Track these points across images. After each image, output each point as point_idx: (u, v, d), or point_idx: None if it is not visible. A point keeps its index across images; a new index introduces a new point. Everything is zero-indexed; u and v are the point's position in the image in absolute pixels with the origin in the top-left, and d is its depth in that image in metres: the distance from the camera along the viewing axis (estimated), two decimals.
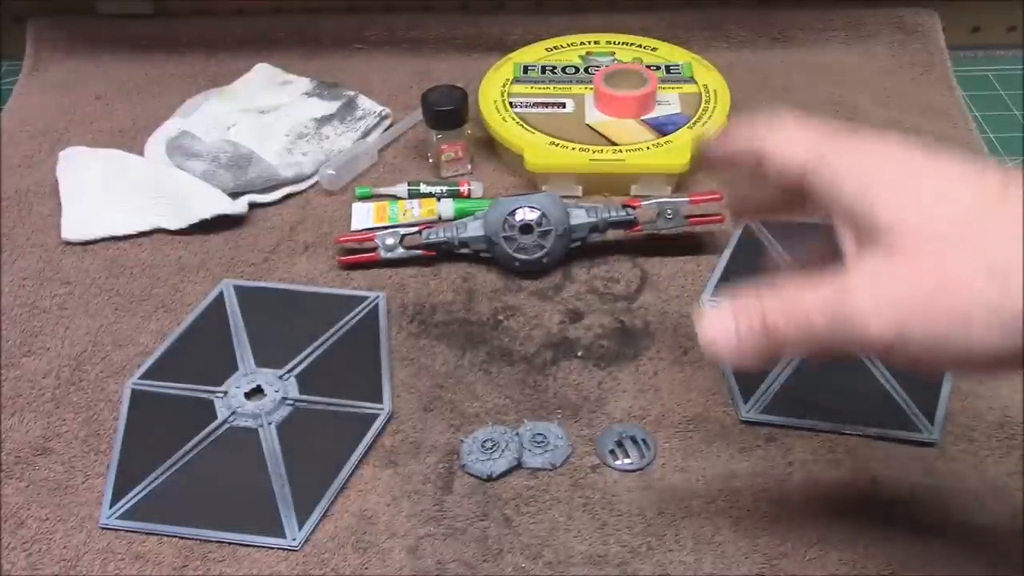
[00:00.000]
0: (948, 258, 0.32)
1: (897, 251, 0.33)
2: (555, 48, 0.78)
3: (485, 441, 0.51)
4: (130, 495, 0.50)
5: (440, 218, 0.67)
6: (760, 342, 0.35)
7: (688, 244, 0.64)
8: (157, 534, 0.48)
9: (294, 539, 0.48)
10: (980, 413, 0.53)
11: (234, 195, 0.68)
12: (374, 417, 0.53)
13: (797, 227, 0.66)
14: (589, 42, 0.79)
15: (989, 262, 0.32)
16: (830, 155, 0.36)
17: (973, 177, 0.34)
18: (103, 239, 0.66)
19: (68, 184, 0.69)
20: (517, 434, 0.52)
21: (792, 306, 0.35)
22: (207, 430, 0.52)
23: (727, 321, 0.36)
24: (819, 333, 0.34)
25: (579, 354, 0.57)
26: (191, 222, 0.66)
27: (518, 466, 0.51)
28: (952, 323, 0.32)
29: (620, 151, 0.68)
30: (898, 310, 0.33)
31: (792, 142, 0.37)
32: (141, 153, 0.72)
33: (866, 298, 0.33)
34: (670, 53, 0.78)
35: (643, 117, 0.71)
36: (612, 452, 0.51)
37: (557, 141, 0.69)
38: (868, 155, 0.35)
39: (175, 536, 0.48)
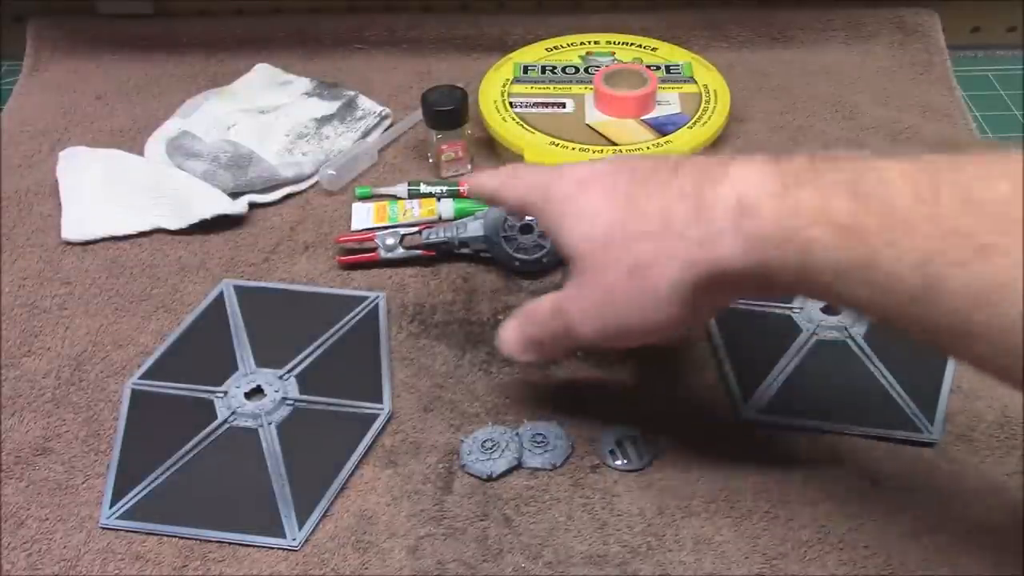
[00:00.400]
0: (605, 270, 0.42)
1: (578, 271, 0.44)
2: (555, 48, 0.78)
3: (485, 441, 0.51)
4: (130, 495, 0.50)
5: (440, 218, 0.67)
6: (528, 342, 0.48)
7: None
8: (157, 534, 0.48)
9: (294, 539, 0.48)
10: (980, 413, 0.53)
11: (234, 195, 0.68)
12: (374, 417, 0.53)
13: None
14: (589, 42, 0.79)
15: (628, 265, 0.41)
16: (530, 197, 0.47)
17: (611, 188, 0.43)
18: (103, 239, 0.66)
19: (68, 184, 0.69)
20: (517, 434, 0.52)
21: (535, 315, 0.48)
22: (207, 430, 0.52)
23: (513, 329, 0.49)
24: (556, 334, 0.46)
25: (579, 354, 0.57)
26: (191, 222, 0.66)
27: (518, 466, 0.51)
28: (623, 316, 0.43)
29: (620, 151, 0.68)
30: (590, 317, 0.44)
31: (514, 188, 0.48)
32: (141, 153, 0.72)
33: (574, 309, 0.45)
34: (670, 53, 0.78)
35: (643, 117, 0.71)
36: (612, 452, 0.51)
37: (557, 141, 0.69)
38: (551, 190, 0.45)
39: (175, 536, 0.48)
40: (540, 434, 0.52)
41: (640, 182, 0.42)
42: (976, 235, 0.33)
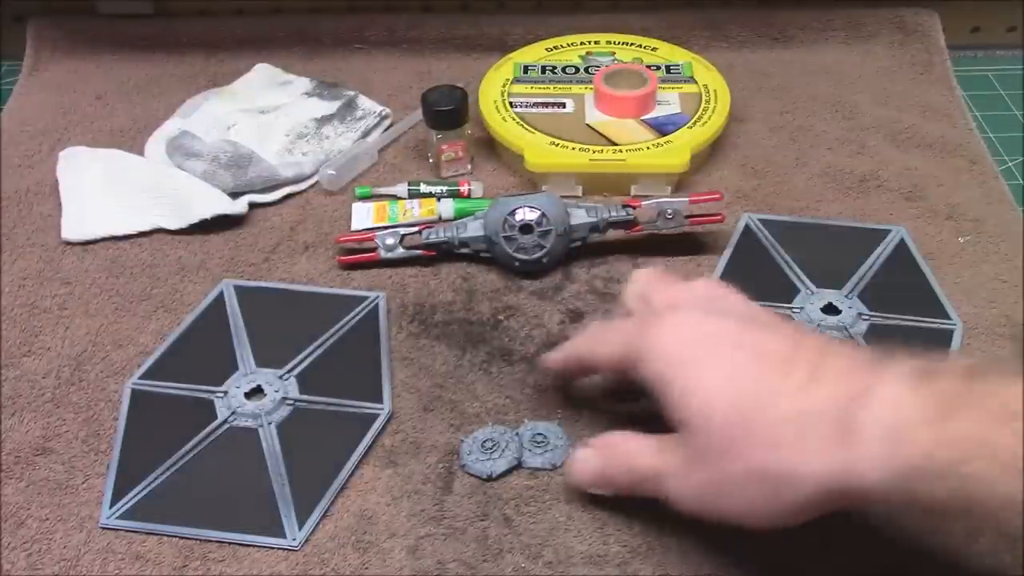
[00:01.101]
0: (726, 461, 0.40)
1: (691, 447, 0.41)
2: (555, 48, 0.78)
3: (485, 441, 0.51)
4: (130, 495, 0.50)
5: (440, 218, 0.67)
6: (606, 481, 0.47)
7: (688, 244, 0.64)
8: (157, 534, 0.48)
9: (294, 539, 0.48)
10: None
11: (234, 195, 0.68)
12: (374, 417, 0.53)
13: (796, 227, 0.66)
14: (589, 42, 0.79)
15: (755, 469, 0.39)
16: (632, 351, 0.44)
17: (733, 364, 0.40)
18: (103, 239, 0.66)
19: (68, 184, 0.69)
20: (517, 434, 0.52)
21: (632, 464, 0.45)
22: (207, 430, 0.52)
23: (590, 461, 0.47)
24: (646, 492, 0.44)
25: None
26: (191, 222, 0.66)
27: (518, 466, 0.51)
28: (731, 510, 0.41)
29: (620, 151, 0.68)
30: (693, 499, 0.42)
31: (606, 345, 0.47)
32: (141, 153, 0.72)
33: (674, 483, 0.42)
34: (670, 53, 0.78)
35: (643, 117, 0.71)
36: None
37: (557, 141, 0.69)
38: (656, 350, 0.43)
39: (175, 536, 0.48)
40: (540, 434, 0.52)
41: (770, 373, 0.39)
42: None
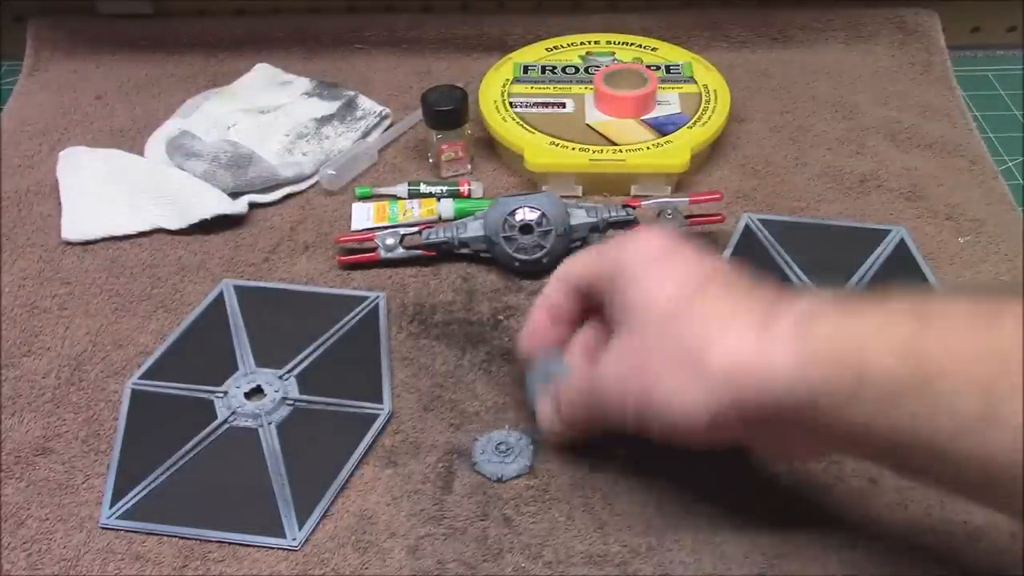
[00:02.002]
0: (653, 336, 0.42)
1: (624, 334, 0.43)
2: (555, 48, 0.78)
3: (500, 444, 0.51)
4: (130, 495, 0.50)
5: (440, 218, 0.67)
6: (565, 420, 0.48)
7: None
8: (157, 534, 0.48)
9: (294, 539, 0.48)
10: None
11: (234, 195, 0.68)
12: (374, 417, 0.53)
13: (796, 227, 0.66)
14: (589, 42, 0.79)
15: (679, 344, 0.41)
16: (596, 260, 0.47)
17: (685, 268, 0.43)
18: (103, 239, 0.66)
19: (68, 184, 0.69)
20: (533, 441, 0.52)
21: (566, 390, 0.47)
22: (207, 430, 0.52)
23: (548, 406, 0.49)
24: (585, 406, 0.46)
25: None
26: (191, 222, 0.66)
27: (529, 472, 0.51)
28: (651, 391, 0.41)
29: (620, 151, 0.68)
30: (620, 379, 0.43)
31: (583, 262, 0.48)
32: (141, 153, 0.72)
33: (606, 371, 0.44)
34: (670, 53, 0.78)
35: (643, 117, 0.71)
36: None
37: (557, 141, 0.69)
38: (619, 253, 0.45)
39: (175, 536, 0.48)
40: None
41: (720, 282, 0.42)
42: None
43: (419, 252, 0.63)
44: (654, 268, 0.43)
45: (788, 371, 0.38)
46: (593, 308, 0.48)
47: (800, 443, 0.43)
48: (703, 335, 0.40)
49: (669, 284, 0.42)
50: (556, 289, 0.49)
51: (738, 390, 0.39)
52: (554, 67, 0.76)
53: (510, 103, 0.72)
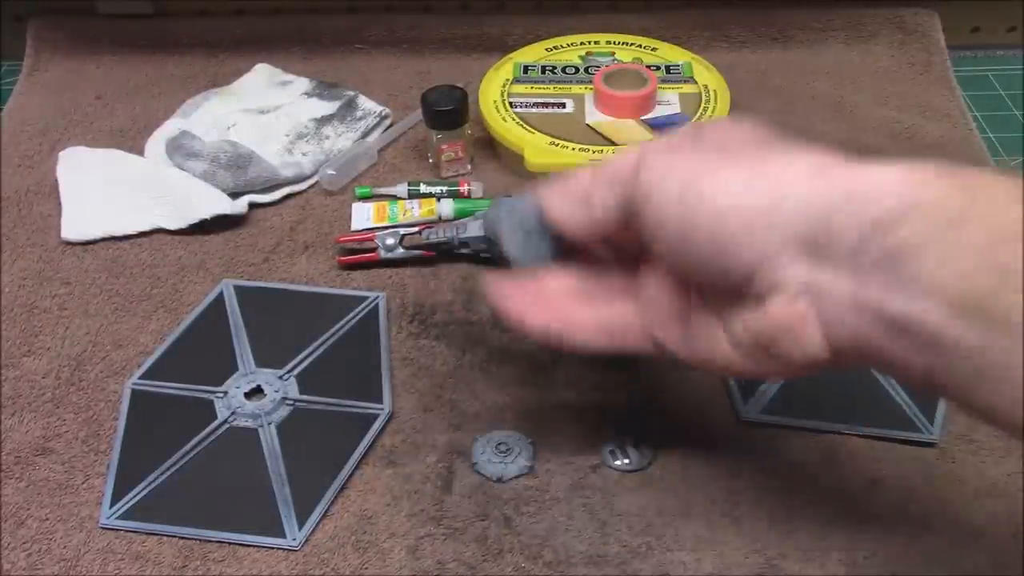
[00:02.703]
0: (681, 211, 0.37)
1: (647, 226, 0.38)
2: (555, 48, 0.78)
3: (500, 444, 0.51)
4: (130, 495, 0.50)
5: (440, 218, 0.67)
6: (579, 192, 0.42)
7: None
8: (157, 534, 0.48)
9: (294, 539, 0.48)
10: None
11: (234, 195, 0.68)
12: (374, 417, 0.53)
13: None
14: (589, 42, 0.79)
15: (757, 173, 0.35)
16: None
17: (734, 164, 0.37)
18: (103, 239, 0.66)
19: (68, 184, 0.69)
20: (532, 443, 0.52)
21: (610, 170, 0.41)
22: (207, 430, 0.52)
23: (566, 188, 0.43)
24: (619, 186, 0.40)
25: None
26: (191, 222, 0.66)
27: (529, 473, 0.51)
28: (689, 259, 0.37)
29: (620, 151, 0.68)
30: (665, 175, 0.37)
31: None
32: (141, 153, 0.72)
33: (652, 162, 0.38)
34: (670, 53, 0.78)
35: (643, 117, 0.71)
36: (612, 452, 0.51)
37: (557, 141, 0.69)
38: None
39: (175, 536, 0.48)
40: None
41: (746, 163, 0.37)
42: None
43: (419, 252, 0.63)
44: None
45: (804, 213, 0.34)
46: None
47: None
48: (728, 202, 0.36)
49: (698, 173, 0.37)
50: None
51: (761, 247, 0.35)
52: (554, 67, 0.76)
53: (510, 103, 0.72)
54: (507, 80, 0.75)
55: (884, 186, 0.33)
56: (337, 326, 0.58)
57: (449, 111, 0.68)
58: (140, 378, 0.56)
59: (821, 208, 0.34)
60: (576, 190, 0.42)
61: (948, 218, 0.31)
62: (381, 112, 0.75)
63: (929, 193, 0.32)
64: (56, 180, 0.69)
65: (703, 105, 0.72)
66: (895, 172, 0.33)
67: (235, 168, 0.68)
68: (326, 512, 0.49)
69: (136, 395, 0.55)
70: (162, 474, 0.50)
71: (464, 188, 0.68)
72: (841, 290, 0.34)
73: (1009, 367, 0.30)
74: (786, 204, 0.35)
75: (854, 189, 0.33)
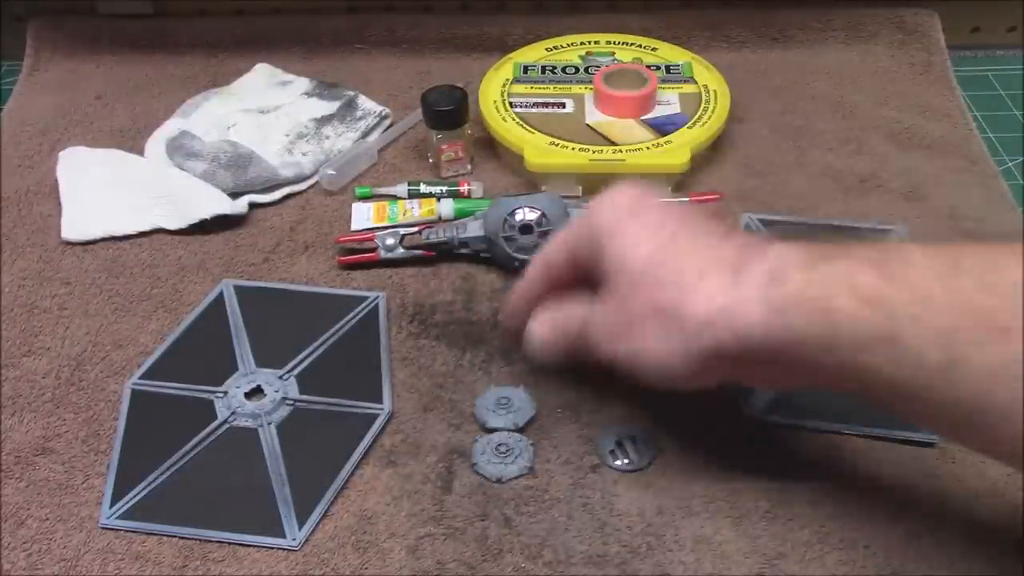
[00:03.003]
0: (633, 300, 0.43)
1: (609, 291, 0.45)
2: (555, 48, 0.78)
3: (500, 445, 0.51)
4: (130, 495, 0.50)
5: (440, 218, 0.67)
6: (555, 347, 0.49)
7: None
8: (157, 534, 0.48)
9: (294, 539, 0.48)
10: None
11: (234, 195, 0.68)
12: (374, 417, 0.53)
13: (796, 227, 0.66)
14: (589, 42, 0.79)
15: (654, 306, 0.42)
16: (579, 223, 0.48)
17: (656, 220, 0.44)
18: (103, 239, 0.66)
19: (68, 184, 0.69)
20: (532, 444, 0.52)
21: (568, 326, 0.48)
22: (207, 430, 0.52)
23: (536, 332, 0.50)
24: (577, 343, 0.47)
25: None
26: (191, 222, 0.66)
27: (529, 473, 0.51)
28: (637, 350, 0.43)
29: (620, 151, 0.68)
30: (610, 339, 0.45)
31: (563, 236, 0.49)
32: (141, 153, 0.72)
33: (596, 330, 0.46)
34: (670, 53, 0.78)
35: (643, 117, 0.71)
36: (612, 452, 0.51)
37: (557, 141, 0.69)
38: (599, 217, 0.46)
39: (175, 536, 0.48)
40: (505, 397, 0.53)
41: (689, 231, 0.43)
42: (995, 316, 0.34)
43: (419, 252, 0.63)
44: (627, 224, 0.44)
45: (763, 319, 0.39)
46: (584, 277, 0.49)
47: (784, 379, 0.44)
48: (678, 285, 0.42)
49: (642, 239, 0.44)
50: (553, 250, 0.49)
51: (716, 338, 0.40)
52: (554, 67, 0.76)
53: (510, 103, 0.72)
54: (507, 80, 0.75)
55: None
56: (337, 326, 0.58)
57: (449, 111, 0.68)
58: (140, 378, 0.56)
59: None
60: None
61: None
62: (381, 112, 0.75)
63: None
64: (56, 180, 0.69)
65: (703, 105, 0.72)
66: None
67: (235, 168, 0.68)
68: (326, 512, 0.49)
69: (136, 395, 0.55)
70: (162, 474, 0.50)
71: (464, 188, 0.68)
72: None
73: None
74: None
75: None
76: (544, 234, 0.60)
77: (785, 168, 0.71)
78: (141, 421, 0.53)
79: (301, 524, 0.48)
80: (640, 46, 0.78)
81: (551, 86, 0.74)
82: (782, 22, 0.84)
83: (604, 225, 0.45)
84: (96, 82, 0.81)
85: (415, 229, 0.63)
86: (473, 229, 0.62)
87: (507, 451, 0.51)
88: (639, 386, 0.45)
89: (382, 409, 0.54)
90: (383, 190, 0.69)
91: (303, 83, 0.78)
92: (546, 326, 0.49)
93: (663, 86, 0.73)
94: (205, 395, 0.54)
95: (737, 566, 0.46)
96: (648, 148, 0.68)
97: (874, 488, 0.50)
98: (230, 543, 0.48)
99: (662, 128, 0.70)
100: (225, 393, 0.54)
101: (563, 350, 0.49)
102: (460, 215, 0.66)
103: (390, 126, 0.75)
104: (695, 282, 0.41)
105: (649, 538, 0.48)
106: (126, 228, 0.66)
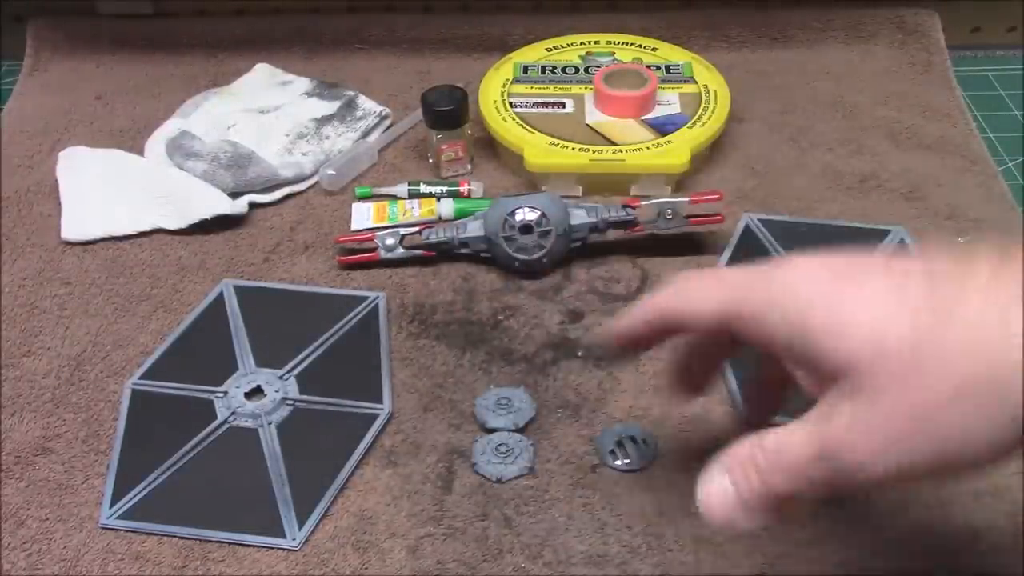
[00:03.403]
0: (914, 390, 0.33)
1: (863, 391, 0.33)
2: (555, 48, 0.78)
3: (500, 445, 0.51)
4: (130, 495, 0.50)
5: (440, 218, 0.67)
6: (761, 500, 0.36)
7: (688, 244, 0.64)
8: (157, 534, 0.48)
9: (294, 539, 0.48)
10: None
11: (234, 195, 0.68)
12: (374, 417, 0.53)
13: (796, 227, 0.66)
14: (589, 42, 0.79)
15: (954, 383, 0.32)
16: (746, 299, 0.37)
17: (898, 295, 0.34)
18: (103, 239, 0.66)
19: (68, 184, 0.69)
20: (532, 444, 0.52)
21: (785, 460, 0.35)
22: (207, 430, 0.52)
23: (725, 486, 0.37)
24: (817, 483, 0.35)
25: (579, 354, 0.57)
26: (191, 222, 0.66)
27: (529, 474, 0.51)
28: (945, 448, 0.33)
29: (620, 151, 0.68)
30: (892, 452, 0.33)
31: (703, 296, 0.38)
32: (141, 153, 0.72)
33: (859, 445, 0.33)
34: (670, 53, 0.78)
35: (643, 117, 0.71)
36: (612, 452, 0.51)
37: (557, 141, 0.69)
38: (785, 293, 0.36)
39: (175, 536, 0.48)
40: (505, 397, 0.53)
41: (942, 281, 0.33)
42: None
43: (419, 252, 0.63)
44: (852, 294, 0.34)
45: None
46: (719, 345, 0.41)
47: None
48: (981, 348, 0.32)
49: (891, 308, 0.33)
50: (674, 304, 0.39)
51: None
52: (554, 67, 0.76)
53: (510, 103, 0.72)
54: (507, 80, 0.75)
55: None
56: (337, 326, 0.58)
57: (449, 111, 0.68)
58: (140, 378, 0.56)
59: None
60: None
61: None
62: (381, 112, 0.75)
63: None
64: (56, 180, 0.69)
65: (703, 105, 0.72)
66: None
67: (235, 168, 0.68)
68: (326, 512, 0.49)
69: (136, 395, 0.55)
70: (162, 474, 0.50)
71: (464, 188, 0.68)
72: None
73: None
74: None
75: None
76: (544, 234, 0.60)
77: (785, 168, 0.71)
78: (141, 421, 0.53)
79: (301, 524, 0.48)
80: (640, 46, 0.78)
81: (551, 86, 0.74)
82: (782, 22, 0.84)
83: (798, 303, 0.35)
84: (96, 82, 0.81)
85: (415, 229, 0.63)
86: (473, 229, 0.62)
87: (507, 451, 0.51)
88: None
89: (382, 409, 0.54)
90: (383, 190, 0.69)
91: (303, 83, 0.78)
92: (739, 489, 0.36)
93: (663, 86, 0.73)
94: (205, 395, 0.54)
95: (737, 566, 0.46)
96: (648, 148, 0.68)
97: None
98: (230, 543, 0.48)
99: (662, 128, 0.70)
100: (225, 393, 0.54)
101: (777, 507, 0.36)
102: (460, 215, 0.66)
103: (390, 126, 0.75)
104: (1003, 336, 0.32)
105: (649, 538, 0.48)
106: (126, 228, 0.66)
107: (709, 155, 0.72)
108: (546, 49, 0.78)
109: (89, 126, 0.76)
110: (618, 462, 0.51)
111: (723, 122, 0.70)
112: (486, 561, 0.47)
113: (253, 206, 0.68)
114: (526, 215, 0.60)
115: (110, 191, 0.68)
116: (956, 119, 0.76)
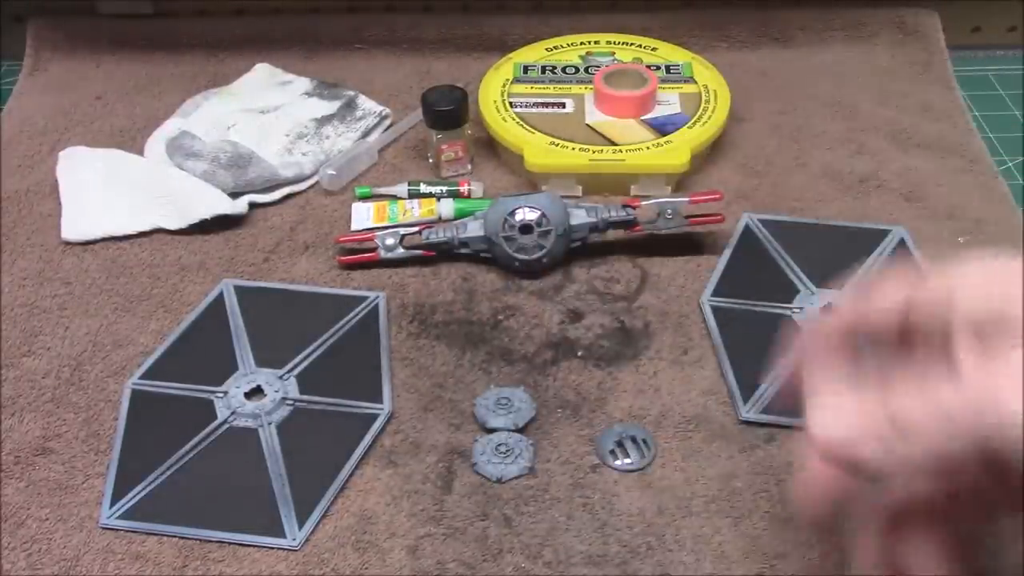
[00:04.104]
0: None
1: None
2: (555, 48, 0.78)
3: (500, 445, 0.51)
4: (130, 495, 0.50)
5: (440, 218, 0.67)
6: (887, 437, 0.30)
7: (688, 244, 0.64)
8: (157, 534, 0.48)
9: (294, 539, 0.48)
10: None
11: (234, 195, 0.68)
12: (374, 417, 0.53)
13: (796, 227, 0.66)
14: (589, 42, 0.79)
15: None
16: (930, 293, 0.31)
17: None
18: (103, 239, 0.66)
19: (68, 184, 0.69)
20: (532, 443, 0.52)
21: (928, 397, 0.30)
22: (207, 430, 0.52)
23: (848, 413, 0.31)
24: (960, 429, 0.29)
25: (579, 354, 0.57)
26: (191, 222, 0.66)
27: (529, 474, 0.51)
28: None
29: (620, 151, 0.68)
30: None
31: (889, 293, 0.33)
32: (141, 153, 0.72)
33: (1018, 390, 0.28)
34: (670, 53, 0.78)
35: (643, 117, 0.71)
36: (612, 452, 0.51)
37: (557, 141, 0.69)
38: (987, 283, 0.30)
39: (175, 536, 0.48)
40: (505, 398, 0.53)
41: None
42: None
43: (419, 252, 0.63)
44: None
45: None
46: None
47: None
48: None
49: None
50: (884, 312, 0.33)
51: None
52: (554, 67, 0.76)
53: (510, 103, 0.72)
54: (507, 80, 0.75)
55: None
56: (337, 326, 0.58)
57: (449, 111, 0.68)
58: (140, 378, 0.56)
59: None
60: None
61: None
62: (381, 112, 0.75)
63: None
64: (56, 180, 0.69)
65: (703, 105, 0.72)
66: None
67: (235, 168, 0.68)
68: (326, 512, 0.49)
69: (136, 395, 0.55)
70: (162, 474, 0.50)
71: (464, 188, 0.68)
72: None
73: None
74: None
75: None
76: (544, 234, 0.60)
77: (785, 168, 0.71)
78: (141, 421, 0.53)
79: (301, 524, 0.48)
80: (640, 46, 0.78)
81: (551, 86, 0.74)
82: (782, 22, 0.84)
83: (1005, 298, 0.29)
84: (96, 82, 0.81)
85: (415, 229, 0.63)
86: (473, 229, 0.62)
87: (507, 451, 0.51)
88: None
89: (382, 409, 0.54)
90: (383, 190, 0.69)
91: (303, 83, 0.78)
92: (872, 413, 0.31)
93: (663, 86, 0.73)
94: (205, 395, 0.54)
95: (737, 566, 0.46)
96: (648, 148, 0.68)
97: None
98: (230, 543, 0.48)
99: (662, 128, 0.70)
100: (225, 393, 0.54)
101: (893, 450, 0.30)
102: (460, 215, 0.66)
103: (390, 126, 0.75)
104: None
105: (649, 538, 0.48)
106: (126, 228, 0.66)
107: (709, 155, 0.72)
108: (546, 49, 0.78)
109: (89, 126, 0.76)
110: (618, 462, 0.51)
111: (723, 122, 0.70)
112: (486, 561, 0.47)
113: (253, 206, 0.68)
114: (526, 215, 0.60)
115: (110, 191, 0.68)
116: (956, 119, 0.76)
